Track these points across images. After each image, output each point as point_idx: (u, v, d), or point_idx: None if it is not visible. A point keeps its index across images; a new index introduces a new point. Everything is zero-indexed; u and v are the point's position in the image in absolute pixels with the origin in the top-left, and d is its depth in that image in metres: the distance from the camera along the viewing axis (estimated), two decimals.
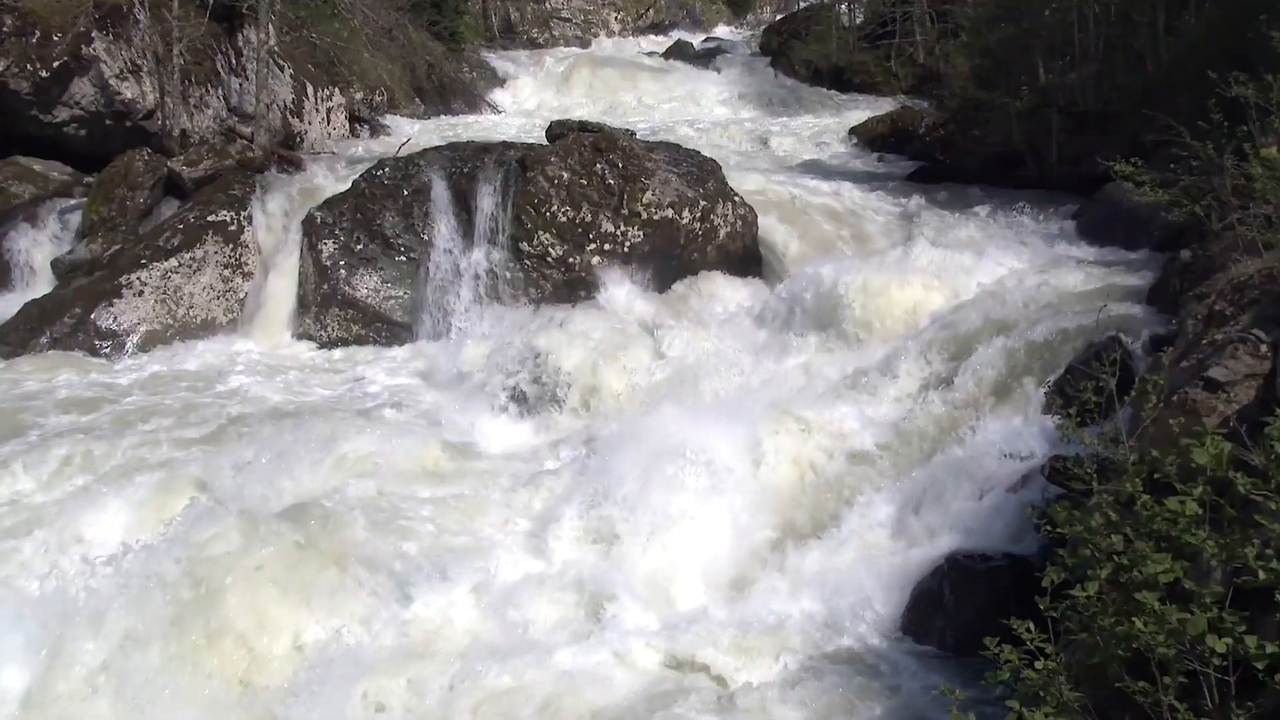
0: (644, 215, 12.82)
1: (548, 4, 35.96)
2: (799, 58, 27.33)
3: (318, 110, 19.45)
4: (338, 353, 12.67)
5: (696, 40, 32.58)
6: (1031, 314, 9.50)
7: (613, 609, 7.34)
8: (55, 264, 13.86)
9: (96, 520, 8.27)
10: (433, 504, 8.68)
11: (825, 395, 9.78)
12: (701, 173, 13.46)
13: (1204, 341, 6.74)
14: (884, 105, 23.15)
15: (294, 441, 9.47)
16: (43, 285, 13.69)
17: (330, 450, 9.37)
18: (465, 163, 13.38)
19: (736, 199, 13.39)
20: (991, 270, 11.25)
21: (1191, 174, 8.96)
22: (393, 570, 7.64)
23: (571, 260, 12.55)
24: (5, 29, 14.58)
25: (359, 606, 7.40)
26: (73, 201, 14.74)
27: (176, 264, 13.08)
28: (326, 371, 12.15)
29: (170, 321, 12.91)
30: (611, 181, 12.94)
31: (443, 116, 23.66)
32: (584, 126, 14.43)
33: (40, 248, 14.20)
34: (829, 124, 22.08)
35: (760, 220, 13.47)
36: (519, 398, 10.83)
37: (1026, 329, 9.17)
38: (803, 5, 32.52)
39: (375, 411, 10.74)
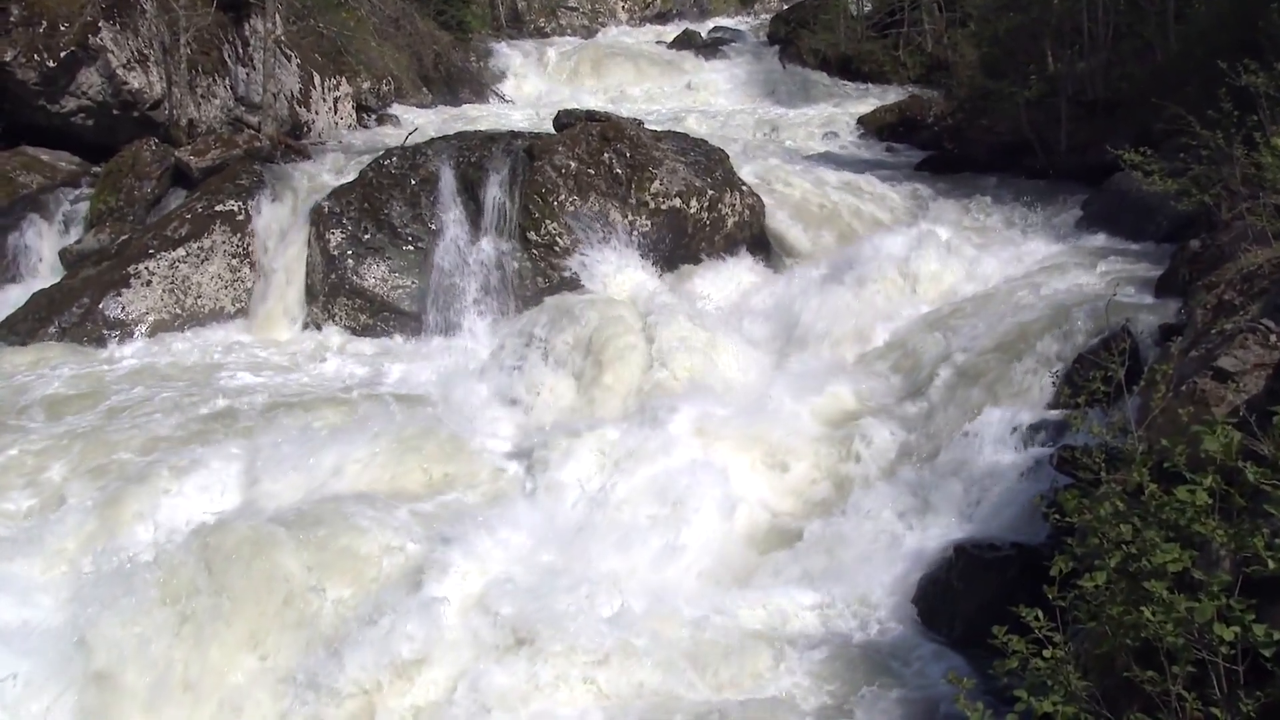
0: (652, 205, 12.81)
1: None
2: (807, 47, 27.23)
3: (325, 100, 19.44)
4: (344, 342, 12.61)
5: (704, 29, 32.48)
6: (1040, 305, 9.48)
7: (580, 631, 6.76)
8: (63, 254, 13.88)
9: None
10: (394, 519, 7.95)
11: (823, 386, 9.75)
12: (709, 162, 13.44)
13: (1213, 331, 6.73)
14: (892, 95, 23.10)
15: (267, 443, 9.16)
16: (51, 275, 13.68)
17: (303, 454, 8.98)
18: (473, 152, 13.37)
19: (744, 188, 13.38)
20: (999, 262, 11.25)
21: (1201, 163, 8.96)
22: (323, 631, 6.95)
23: (579, 250, 12.52)
24: (12, 19, 14.56)
25: (281, 703, 6.64)
26: (80, 191, 14.73)
27: (184, 254, 13.09)
28: (329, 362, 12.07)
29: (178, 311, 12.92)
30: (619, 171, 12.93)
31: (450, 106, 23.63)
32: (592, 116, 14.37)
33: (48, 237, 14.21)
34: (837, 113, 22.04)
35: (769, 210, 13.47)
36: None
37: (1034, 320, 9.16)
38: None
39: (368, 407, 10.34)
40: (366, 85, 21.57)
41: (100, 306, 12.66)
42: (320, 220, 13.28)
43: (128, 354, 12.18)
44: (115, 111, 15.39)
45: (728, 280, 12.67)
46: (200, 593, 7.02)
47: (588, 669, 6.54)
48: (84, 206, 14.47)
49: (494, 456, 9.39)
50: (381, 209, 13.16)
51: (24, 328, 12.50)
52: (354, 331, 12.76)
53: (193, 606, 6.96)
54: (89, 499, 8.54)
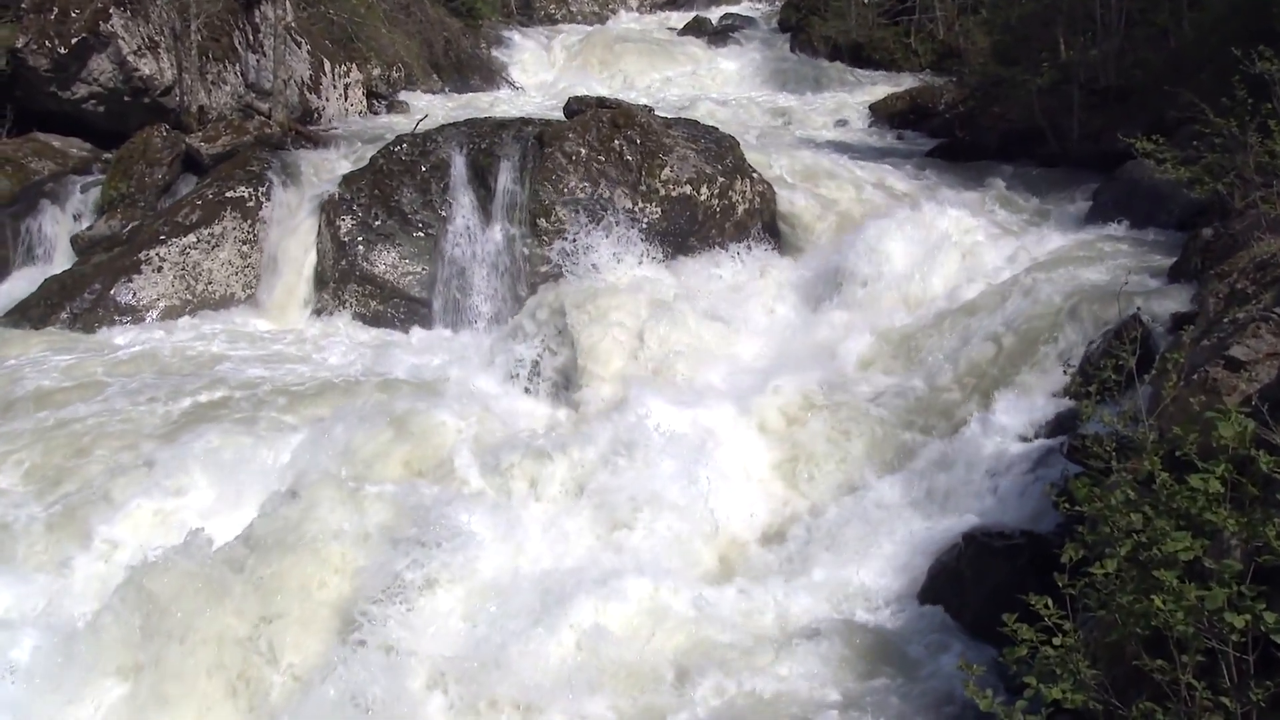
0: (662, 191, 12.79)
1: None
2: (818, 34, 27.12)
3: (335, 86, 19.44)
4: (352, 329, 12.63)
5: (714, 16, 32.37)
6: (1050, 294, 9.43)
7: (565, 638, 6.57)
8: (75, 240, 13.91)
9: None
10: (359, 537, 7.44)
11: (819, 378, 9.69)
12: (720, 149, 13.41)
13: (1225, 320, 6.71)
14: (903, 82, 22.99)
15: (243, 442, 8.90)
16: (63, 261, 13.71)
17: (276, 456, 8.71)
18: (483, 139, 13.35)
19: (755, 175, 13.34)
20: (1009, 252, 11.18)
21: (1214, 151, 8.92)
22: (274, 708, 6.56)
23: (588, 237, 12.51)
24: (24, 5, 14.63)
25: None
26: (92, 178, 14.77)
27: (195, 240, 13.12)
28: (335, 349, 11.98)
29: (189, 297, 12.95)
30: (630, 158, 12.91)
31: (460, 93, 23.62)
32: (602, 102, 14.34)
33: (60, 224, 14.22)
34: (848, 101, 21.94)
35: (780, 197, 13.42)
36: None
37: (1045, 310, 9.13)
38: None
39: (366, 399, 9.95)
40: (377, 72, 21.56)
41: (111, 293, 12.70)
42: (331, 207, 13.30)
43: (136, 341, 12.12)
44: (126, 98, 15.42)
45: (737, 270, 12.58)
46: (144, 668, 6.57)
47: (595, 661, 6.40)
48: (95, 193, 14.49)
49: (475, 463, 8.77)
50: (392, 195, 13.17)
51: (36, 313, 12.55)
52: (364, 318, 12.79)
53: (134, 690, 6.53)
54: (44, 512, 8.28)
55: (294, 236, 13.49)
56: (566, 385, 10.53)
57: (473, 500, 8.19)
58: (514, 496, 8.44)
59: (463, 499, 8.17)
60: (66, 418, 9.86)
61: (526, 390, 10.68)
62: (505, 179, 12.86)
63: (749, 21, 31.12)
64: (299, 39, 18.73)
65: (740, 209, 13.05)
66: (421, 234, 13.05)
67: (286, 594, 7.08)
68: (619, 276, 12.08)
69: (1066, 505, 4.65)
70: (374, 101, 20.83)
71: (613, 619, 6.75)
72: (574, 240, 12.48)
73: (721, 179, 13.04)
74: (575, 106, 14.30)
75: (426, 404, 9.63)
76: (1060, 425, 7.65)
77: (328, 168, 14.59)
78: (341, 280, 12.97)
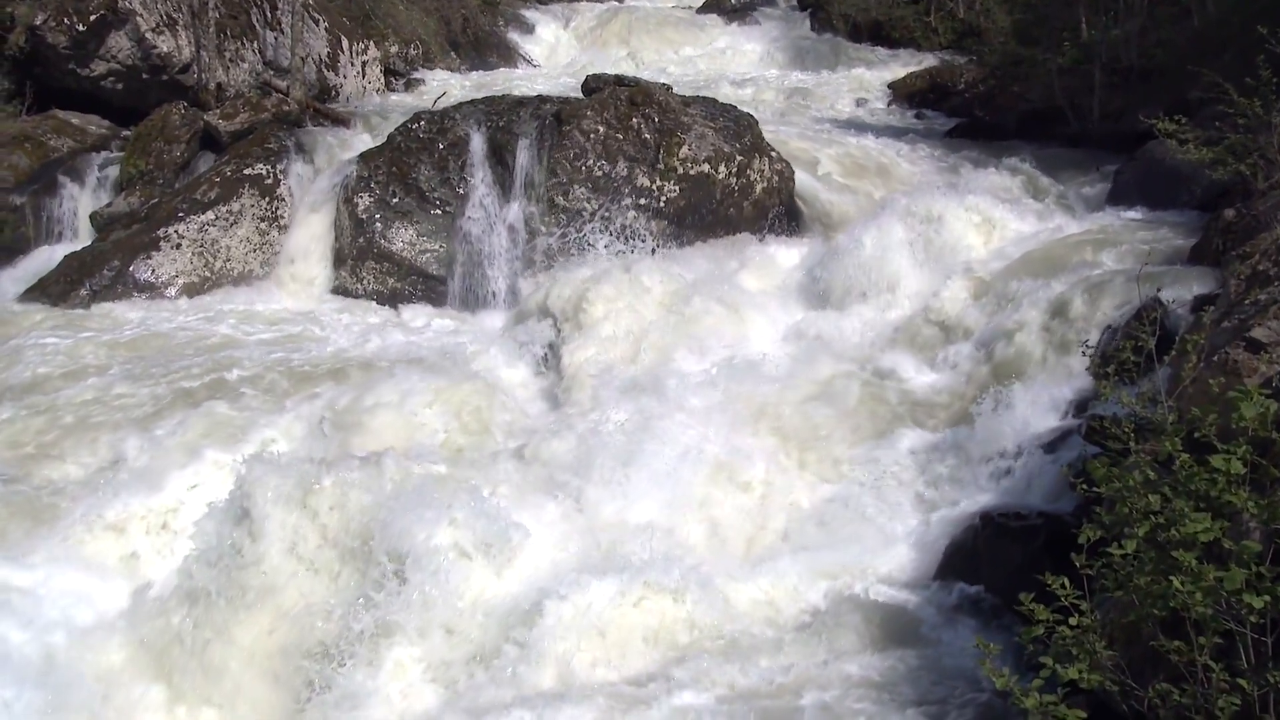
0: (680, 170, 12.75)
1: None
2: (837, 12, 26.98)
3: (353, 64, 19.42)
4: (368, 307, 12.63)
5: None
6: (1070, 275, 9.38)
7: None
8: (94, 217, 13.97)
9: None
10: (313, 576, 6.89)
11: (837, 361, 9.61)
12: (738, 127, 13.35)
13: (1246, 301, 6.67)
14: (923, 61, 22.87)
15: (226, 436, 8.61)
16: (82, 238, 13.79)
17: (263, 449, 8.32)
18: (501, 116, 13.33)
19: (773, 154, 13.29)
20: (1027, 232, 11.11)
21: (1237, 131, 8.84)
22: None
23: (606, 215, 12.49)
24: None
25: None
26: (110, 155, 14.83)
27: (213, 217, 13.15)
28: (348, 328, 11.93)
29: (207, 274, 12.99)
30: (647, 136, 12.87)
31: (478, 71, 23.57)
32: (620, 80, 14.29)
33: (79, 201, 14.29)
34: (867, 80, 21.84)
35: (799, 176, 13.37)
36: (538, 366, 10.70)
37: (1064, 291, 9.08)
38: None
39: (373, 378, 9.68)
40: (394, 49, 21.53)
41: (130, 269, 12.75)
42: (348, 184, 13.31)
43: (151, 318, 12.05)
44: (144, 75, 15.45)
45: (751, 256, 12.44)
46: None
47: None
48: (114, 170, 14.56)
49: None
50: (409, 173, 13.17)
51: (56, 290, 12.61)
52: (381, 295, 12.81)
53: None
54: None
55: (312, 214, 13.51)
56: (561, 387, 10.36)
57: (445, 498, 7.24)
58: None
59: (433, 505, 7.14)
60: (58, 402, 9.68)
61: (533, 372, 10.62)
62: (523, 157, 12.84)
63: (768, 0, 30.91)
64: (317, 16, 18.71)
65: (758, 188, 13.01)
66: (439, 211, 13.05)
67: (230, 672, 6.58)
68: (632, 259, 11.95)
69: (1084, 486, 4.63)
70: (391, 79, 20.82)
71: (597, 638, 6.46)
72: (591, 219, 12.46)
73: (740, 157, 12.99)
74: (593, 84, 14.25)
75: (413, 397, 9.12)
76: (1079, 406, 7.62)
77: (346, 145, 14.59)
78: (359, 258, 12.99)
